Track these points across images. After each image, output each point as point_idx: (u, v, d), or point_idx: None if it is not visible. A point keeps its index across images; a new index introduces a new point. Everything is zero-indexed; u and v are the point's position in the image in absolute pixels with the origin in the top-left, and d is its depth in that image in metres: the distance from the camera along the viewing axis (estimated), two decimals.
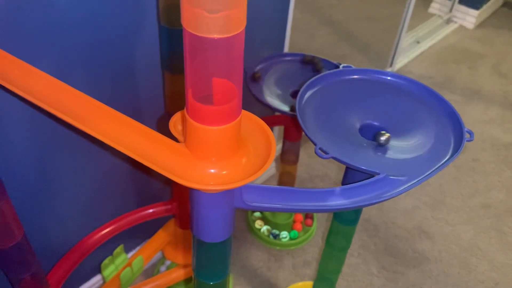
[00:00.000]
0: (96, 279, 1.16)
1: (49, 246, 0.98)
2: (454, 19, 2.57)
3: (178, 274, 1.12)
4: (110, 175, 1.02)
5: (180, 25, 0.45)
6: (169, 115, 0.59)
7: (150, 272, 1.24)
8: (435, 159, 0.65)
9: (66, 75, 0.80)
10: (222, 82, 0.48)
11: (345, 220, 0.84)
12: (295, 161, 1.30)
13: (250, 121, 0.58)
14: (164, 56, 0.89)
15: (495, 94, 2.07)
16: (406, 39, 2.24)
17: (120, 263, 1.12)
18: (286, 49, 1.29)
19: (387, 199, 0.59)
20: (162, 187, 1.17)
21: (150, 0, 0.84)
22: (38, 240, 0.89)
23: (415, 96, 0.75)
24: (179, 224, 1.13)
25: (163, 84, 0.97)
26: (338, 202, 0.58)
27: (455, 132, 0.69)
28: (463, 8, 2.53)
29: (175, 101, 0.92)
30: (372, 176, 0.61)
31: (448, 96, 2.01)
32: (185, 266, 1.14)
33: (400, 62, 2.18)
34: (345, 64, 0.79)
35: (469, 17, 2.53)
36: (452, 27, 2.54)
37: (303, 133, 1.11)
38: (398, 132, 0.69)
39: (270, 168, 1.53)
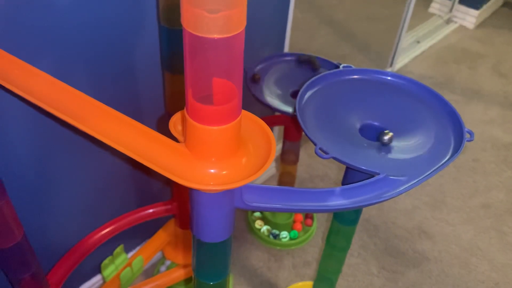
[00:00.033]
0: (96, 279, 1.16)
1: (49, 246, 0.98)
2: (454, 19, 2.57)
3: (178, 274, 1.12)
4: (110, 175, 1.02)
5: (180, 25, 0.45)
6: (169, 115, 0.58)
7: (150, 272, 1.24)
8: (435, 159, 0.65)
9: (66, 75, 0.80)
10: (222, 82, 0.48)
11: (345, 220, 0.84)
12: (295, 161, 1.30)
13: (250, 121, 0.58)
14: (164, 56, 0.89)
15: (495, 94, 2.06)
16: (406, 39, 2.24)
17: (120, 263, 1.12)
18: (286, 49, 1.29)
19: (387, 199, 0.59)
20: (162, 187, 1.17)
21: (150, 0, 0.84)
22: (38, 240, 0.89)
23: (415, 96, 0.75)
24: (179, 224, 1.13)
25: (163, 84, 0.97)
26: (338, 202, 0.58)
27: (455, 132, 0.69)
28: (463, 8, 2.53)
29: (175, 101, 0.92)
30: (372, 176, 0.61)
31: (448, 96, 2.01)
32: (185, 266, 1.14)
33: (400, 62, 2.17)
34: (345, 64, 0.79)
35: (469, 17, 2.53)
36: (452, 27, 2.54)
37: (303, 133, 1.11)
38: (399, 132, 0.69)
39: (270, 168, 1.53)
